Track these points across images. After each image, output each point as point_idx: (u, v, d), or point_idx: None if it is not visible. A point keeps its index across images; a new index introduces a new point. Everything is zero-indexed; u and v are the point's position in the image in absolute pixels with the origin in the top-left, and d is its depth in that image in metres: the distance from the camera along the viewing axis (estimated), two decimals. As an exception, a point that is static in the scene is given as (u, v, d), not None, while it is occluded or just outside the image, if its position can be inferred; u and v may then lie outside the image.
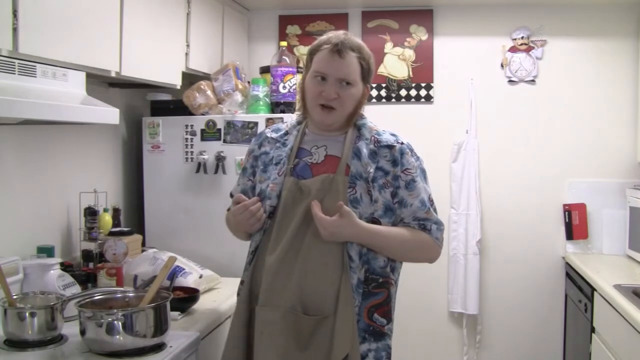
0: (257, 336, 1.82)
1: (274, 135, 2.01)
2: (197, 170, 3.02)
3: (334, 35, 1.87)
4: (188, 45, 2.94)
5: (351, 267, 1.77)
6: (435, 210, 1.90)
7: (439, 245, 1.89)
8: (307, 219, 1.81)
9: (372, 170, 1.83)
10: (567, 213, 3.66)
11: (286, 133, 1.99)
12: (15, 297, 1.94)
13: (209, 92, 3.06)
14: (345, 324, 1.73)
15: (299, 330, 1.77)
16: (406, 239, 1.84)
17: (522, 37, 3.70)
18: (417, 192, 1.85)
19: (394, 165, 1.85)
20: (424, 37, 3.77)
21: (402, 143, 1.89)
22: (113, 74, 2.28)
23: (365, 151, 1.85)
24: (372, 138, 1.89)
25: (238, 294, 1.94)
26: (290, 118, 2.05)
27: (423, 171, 1.93)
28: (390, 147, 1.87)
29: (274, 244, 1.84)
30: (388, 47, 3.80)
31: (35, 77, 1.85)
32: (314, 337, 1.76)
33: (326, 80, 1.85)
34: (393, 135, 1.92)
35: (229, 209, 2.05)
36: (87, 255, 2.55)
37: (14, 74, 1.76)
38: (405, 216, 1.85)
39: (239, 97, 3.06)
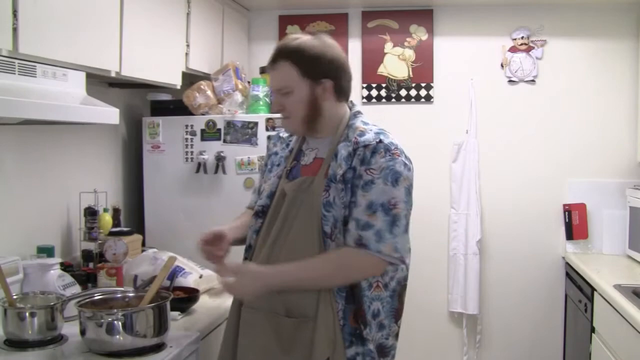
0: (241, 337, 1.83)
1: (284, 135, 2.02)
2: (197, 170, 3.02)
3: None
4: (188, 46, 2.94)
5: None
6: (395, 216, 1.71)
7: (380, 259, 1.71)
8: (287, 222, 1.80)
9: (341, 171, 1.75)
10: (567, 213, 3.66)
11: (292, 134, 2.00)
12: (15, 297, 1.94)
13: (209, 92, 3.06)
14: (325, 327, 1.71)
15: (280, 333, 1.76)
16: (325, 268, 1.72)
17: (522, 37, 3.70)
18: (370, 194, 1.71)
19: (362, 163, 1.74)
20: (424, 37, 3.77)
21: (379, 142, 1.76)
22: (113, 74, 2.28)
23: (343, 152, 1.78)
24: (354, 139, 1.80)
25: None
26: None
27: (394, 173, 1.73)
28: (366, 146, 1.76)
29: (260, 246, 1.86)
30: (388, 47, 3.80)
31: (35, 77, 1.85)
32: (296, 339, 1.74)
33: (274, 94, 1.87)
34: (377, 133, 1.79)
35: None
36: (87, 255, 2.55)
37: (14, 74, 1.76)
38: (349, 219, 1.72)
39: (239, 97, 3.06)
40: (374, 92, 3.81)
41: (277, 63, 1.82)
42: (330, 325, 1.71)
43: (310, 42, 1.81)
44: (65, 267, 2.37)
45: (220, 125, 3.02)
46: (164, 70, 2.72)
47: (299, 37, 1.83)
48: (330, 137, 1.86)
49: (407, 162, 1.78)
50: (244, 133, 3.00)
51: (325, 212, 1.74)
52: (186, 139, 3.05)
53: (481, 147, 3.74)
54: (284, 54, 1.81)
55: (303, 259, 1.74)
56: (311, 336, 1.72)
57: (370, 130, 1.82)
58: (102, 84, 2.78)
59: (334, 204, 1.74)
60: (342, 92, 1.85)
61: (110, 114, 2.15)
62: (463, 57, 3.77)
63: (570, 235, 3.65)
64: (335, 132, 1.85)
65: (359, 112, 1.90)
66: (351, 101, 1.94)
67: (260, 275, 1.73)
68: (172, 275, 2.21)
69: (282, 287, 1.74)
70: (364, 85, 3.81)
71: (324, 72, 1.80)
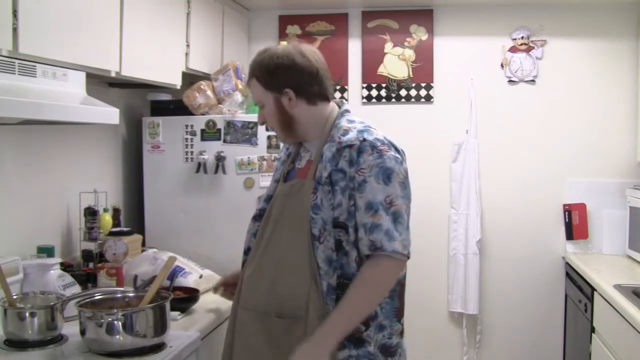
0: (235, 336, 1.86)
1: None
2: (197, 170, 3.02)
3: None
4: (188, 46, 2.94)
5: (320, 274, 1.73)
6: (395, 214, 1.69)
7: (397, 259, 1.69)
8: (278, 225, 1.81)
9: (325, 173, 1.75)
10: (567, 213, 3.66)
11: None
12: (15, 297, 1.94)
13: (209, 92, 3.06)
14: (315, 328, 1.70)
15: (272, 333, 1.77)
16: (360, 295, 1.69)
17: (522, 37, 3.70)
18: (365, 194, 1.70)
19: (351, 165, 1.73)
20: (424, 37, 3.77)
21: (363, 140, 1.73)
22: (113, 74, 2.28)
23: (327, 154, 1.77)
24: (338, 139, 1.77)
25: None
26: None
27: (385, 170, 1.71)
28: (350, 146, 1.74)
29: (255, 249, 1.88)
30: (388, 47, 3.80)
31: (35, 77, 1.85)
32: (287, 340, 1.74)
33: None
34: (361, 131, 1.76)
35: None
36: (87, 255, 2.55)
37: (14, 74, 1.76)
38: (358, 226, 1.72)
39: (239, 97, 3.06)
40: (374, 92, 3.81)
41: (249, 80, 1.87)
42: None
43: (272, 54, 1.82)
44: (65, 267, 2.37)
45: (220, 125, 3.02)
46: (164, 70, 2.72)
47: (266, 51, 1.84)
48: (316, 140, 1.86)
49: (397, 155, 1.76)
50: (244, 133, 3.00)
51: (313, 215, 1.74)
52: (186, 139, 3.05)
53: (481, 147, 3.74)
54: (251, 71, 1.86)
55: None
56: (301, 337, 1.71)
57: (354, 128, 1.79)
58: (102, 84, 2.78)
59: (322, 206, 1.74)
60: (312, 95, 1.82)
61: (110, 114, 2.15)
62: (463, 57, 3.77)
63: (570, 235, 3.65)
64: (322, 133, 1.84)
65: (346, 111, 1.88)
66: (341, 100, 1.94)
67: (316, 344, 1.67)
68: (172, 275, 2.21)
69: (341, 336, 1.69)
70: (364, 85, 3.81)
71: (284, 82, 1.80)
